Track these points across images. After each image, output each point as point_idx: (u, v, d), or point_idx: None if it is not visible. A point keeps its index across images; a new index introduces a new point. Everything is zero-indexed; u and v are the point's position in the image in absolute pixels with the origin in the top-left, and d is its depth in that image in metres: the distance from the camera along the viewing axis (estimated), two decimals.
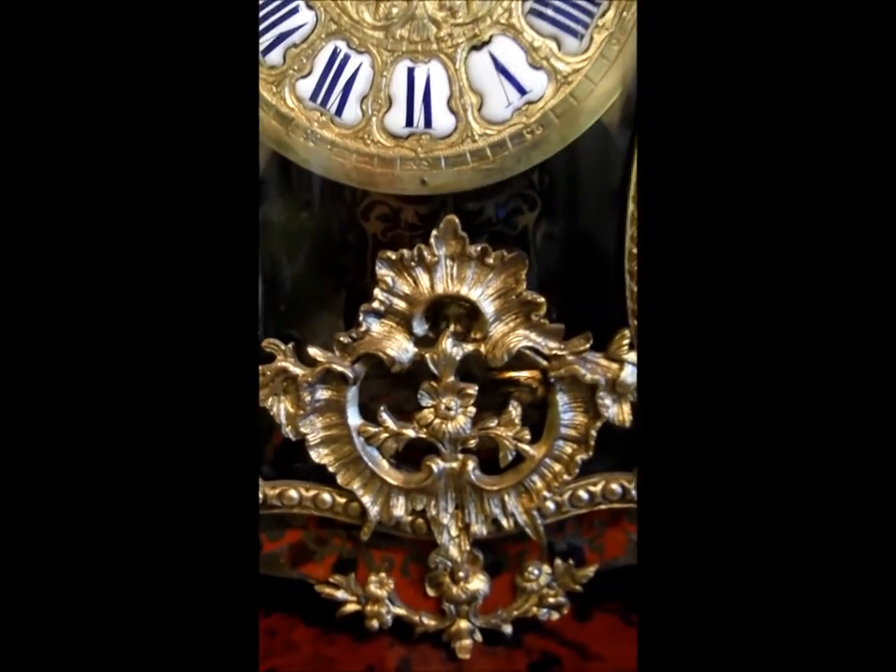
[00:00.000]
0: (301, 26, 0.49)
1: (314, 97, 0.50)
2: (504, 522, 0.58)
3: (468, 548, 0.59)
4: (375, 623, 0.61)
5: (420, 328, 0.53)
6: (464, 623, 0.61)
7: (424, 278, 0.53)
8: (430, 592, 0.61)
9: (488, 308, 0.53)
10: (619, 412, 0.55)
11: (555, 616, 0.61)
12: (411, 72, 0.49)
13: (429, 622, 0.62)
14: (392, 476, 0.57)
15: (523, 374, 0.56)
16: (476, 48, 0.48)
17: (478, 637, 0.62)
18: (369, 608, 0.61)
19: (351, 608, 0.62)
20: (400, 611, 0.61)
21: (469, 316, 0.54)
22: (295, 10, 0.48)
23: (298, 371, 0.55)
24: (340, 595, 0.61)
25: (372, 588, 0.61)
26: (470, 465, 0.56)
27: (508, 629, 0.62)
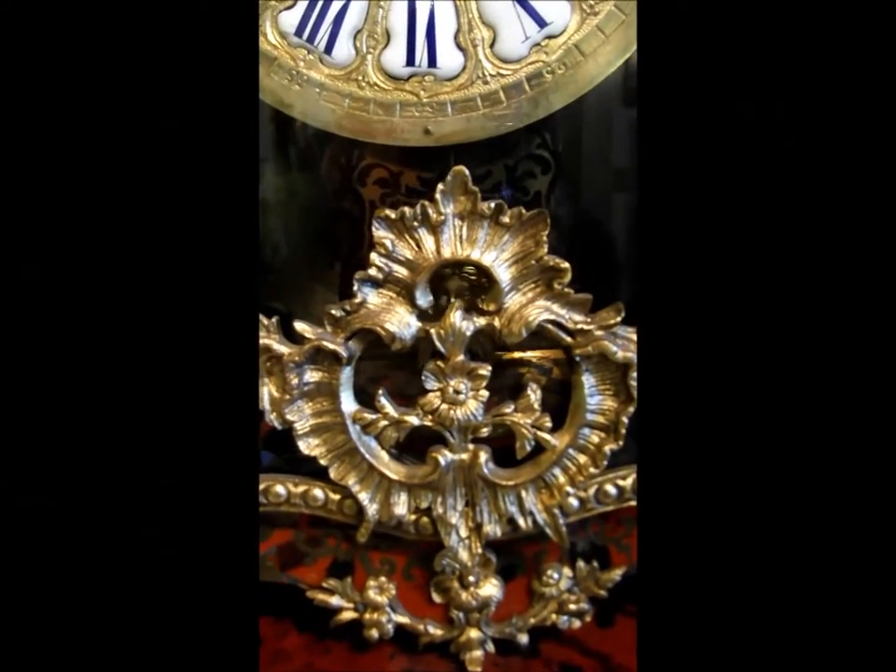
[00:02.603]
0: None
1: (299, 32, 0.47)
2: (521, 521, 0.56)
3: (479, 550, 0.57)
4: (375, 633, 0.60)
5: (424, 299, 0.50)
6: (474, 633, 0.60)
7: (428, 240, 0.49)
8: (437, 598, 0.60)
9: (503, 275, 0.50)
10: None
11: (577, 624, 0.61)
12: (412, 2, 0.46)
13: (436, 631, 0.60)
14: (392, 469, 0.55)
15: (543, 352, 0.55)
16: None
17: (490, 647, 0.61)
18: (367, 615, 0.60)
19: (347, 615, 0.61)
20: (403, 619, 0.60)
21: (481, 285, 0.51)
22: None
23: (283, 349, 0.52)
24: (334, 601, 0.60)
25: (371, 594, 0.60)
26: (482, 457, 0.54)
27: (523, 638, 0.61)
